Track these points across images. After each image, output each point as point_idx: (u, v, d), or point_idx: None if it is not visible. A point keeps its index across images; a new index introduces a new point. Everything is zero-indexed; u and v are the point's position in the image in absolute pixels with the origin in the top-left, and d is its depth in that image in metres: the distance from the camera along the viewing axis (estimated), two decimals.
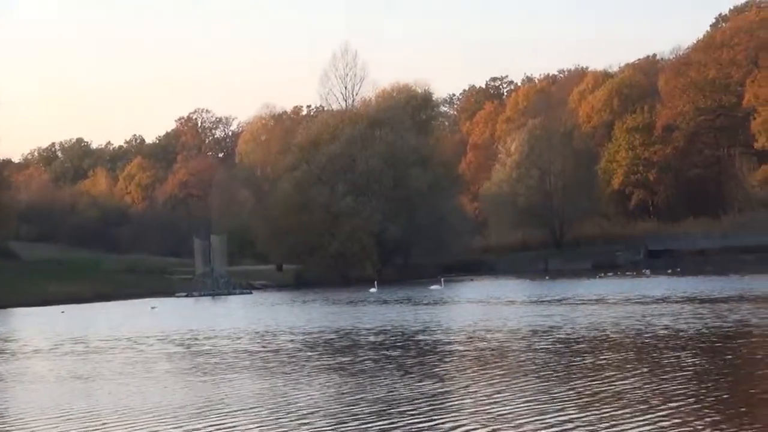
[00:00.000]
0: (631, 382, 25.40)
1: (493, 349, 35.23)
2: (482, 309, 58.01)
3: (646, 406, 21.77)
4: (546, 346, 34.90)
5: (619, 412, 21.30)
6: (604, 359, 30.48)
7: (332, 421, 22.02)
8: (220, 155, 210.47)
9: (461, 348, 36.18)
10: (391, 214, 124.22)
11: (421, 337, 40.95)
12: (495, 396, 24.42)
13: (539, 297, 67.69)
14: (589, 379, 26.42)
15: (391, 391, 25.88)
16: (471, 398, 24.40)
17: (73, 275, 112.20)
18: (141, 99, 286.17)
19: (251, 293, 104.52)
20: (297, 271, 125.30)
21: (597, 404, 22.44)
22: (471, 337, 39.74)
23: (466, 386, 26.39)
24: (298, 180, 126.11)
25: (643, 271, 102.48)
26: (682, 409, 21.33)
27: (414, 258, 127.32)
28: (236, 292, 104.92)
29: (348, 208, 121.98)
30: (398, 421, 21.56)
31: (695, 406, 21.59)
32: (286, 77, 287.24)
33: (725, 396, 22.96)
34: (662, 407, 21.59)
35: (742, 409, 21.15)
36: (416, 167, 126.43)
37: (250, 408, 24.43)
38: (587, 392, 24.23)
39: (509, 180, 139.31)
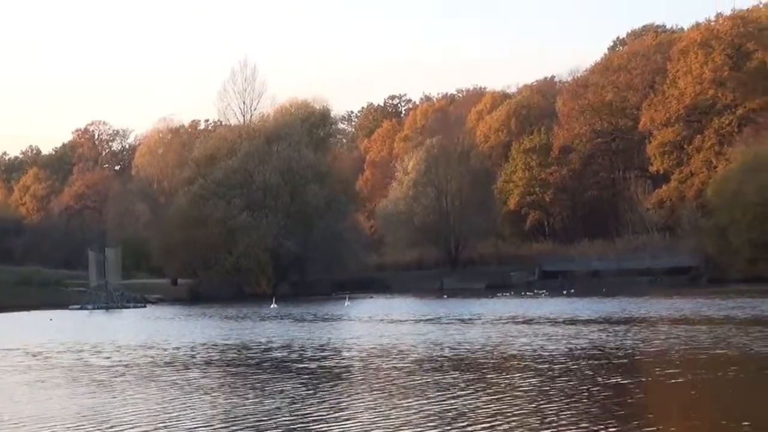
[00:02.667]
0: (459, 402, 25.52)
1: (344, 367, 35.27)
2: (361, 327, 58.11)
3: (456, 427, 21.94)
4: (400, 365, 35.01)
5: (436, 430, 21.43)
6: (446, 379, 30.51)
7: None
8: (117, 168, 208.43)
9: (314, 365, 36.01)
10: (288, 230, 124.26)
11: (280, 354, 40.86)
12: (321, 413, 24.44)
13: (423, 315, 67.91)
14: (421, 397, 26.51)
15: (222, 409, 25.77)
16: (297, 414, 24.33)
17: None
18: (37, 109, 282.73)
19: (145, 307, 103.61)
20: (191, 286, 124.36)
21: (417, 422, 22.56)
22: (330, 356, 39.65)
23: (299, 403, 26.27)
24: (194, 194, 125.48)
25: (540, 291, 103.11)
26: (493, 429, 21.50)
27: (309, 274, 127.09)
28: (130, 305, 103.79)
29: (244, 223, 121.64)
30: None
31: (506, 426, 21.77)
32: (184, 91, 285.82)
33: (538, 417, 23.09)
34: (472, 427, 21.77)
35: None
36: (313, 183, 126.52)
37: (64, 424, 24.19)
38: (413, 411, 24.31)
39: (406, 198, 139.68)
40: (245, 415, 24.37)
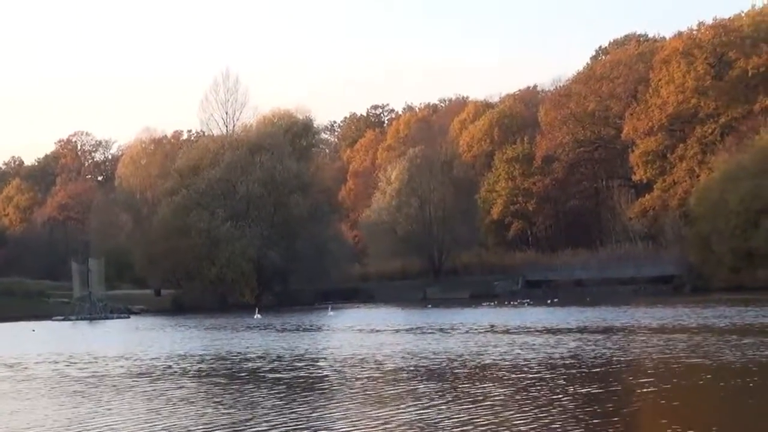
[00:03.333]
0: (432, 411, 25.51)
1: (320, 377, 35.24)
2: (341, 337, 58.09)
3: None
4: (376, 375, 35.04)
5: None
6: (420, 388, 30.47)
7: None
8: (100, 178, 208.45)
9: (289, 375, 35.94)
10: (271, 240, 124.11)
11: (256, 364, 40.82)
12: (295, 423, 24.45)
13: (404, 325, 67.90)
14: (395, 407, 26.51)
15: (195, 420, 25.70)
16: (271, 424, 24.33)
17: None
18: (20, 120, 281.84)
19: (129, 317, 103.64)
20: (175, 296, 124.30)
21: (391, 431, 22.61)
22: (306, 366, 39.58)
23: (273, 413, 26.25)
24: (177, 205, 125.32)
25: (524, 301, 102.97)
26: None
27: (293, 284, 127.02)
28: (113, 316, 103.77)
29: (227, 233, 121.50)
30: None
31: None
32: (166, 101, 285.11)
33: (510, 426, 23.11)
34: None
35: None
36: (296, 194, 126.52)
37: None
38: (386, 420, 24.35)
39: (389, 208, 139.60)
40: (218, 426, 24.33)
